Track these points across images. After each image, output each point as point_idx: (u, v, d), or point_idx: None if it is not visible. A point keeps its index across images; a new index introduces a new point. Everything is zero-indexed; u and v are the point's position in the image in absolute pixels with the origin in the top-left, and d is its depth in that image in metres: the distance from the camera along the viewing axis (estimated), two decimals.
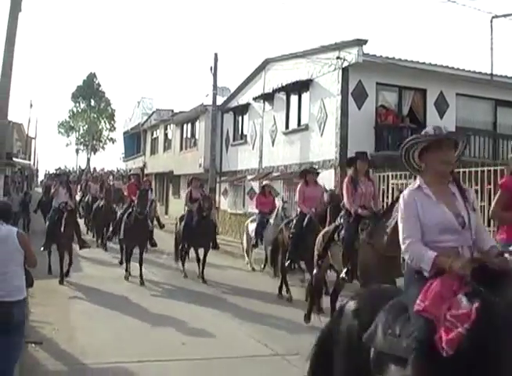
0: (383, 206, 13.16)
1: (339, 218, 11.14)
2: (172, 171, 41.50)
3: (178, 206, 41.34)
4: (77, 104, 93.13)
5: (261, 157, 28.48)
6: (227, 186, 32.82)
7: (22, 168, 43.55)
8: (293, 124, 25.67)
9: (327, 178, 21.52)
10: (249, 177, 29.01)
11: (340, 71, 21.73)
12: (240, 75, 44.03)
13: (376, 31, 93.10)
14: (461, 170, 15.18)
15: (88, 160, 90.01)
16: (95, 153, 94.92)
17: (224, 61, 73.02)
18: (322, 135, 22.81)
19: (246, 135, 30.99)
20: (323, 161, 22.34)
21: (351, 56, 21.07)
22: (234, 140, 32.57)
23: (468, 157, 20.40)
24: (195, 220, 17.28)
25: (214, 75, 30.86)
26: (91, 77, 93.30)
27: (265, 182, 22.08)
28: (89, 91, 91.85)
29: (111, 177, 41.49)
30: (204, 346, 9.73)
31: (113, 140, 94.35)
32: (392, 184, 18.49)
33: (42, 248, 15.87)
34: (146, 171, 50.30)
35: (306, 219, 13.78)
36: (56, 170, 54.93)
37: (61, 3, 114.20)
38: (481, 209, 8.68)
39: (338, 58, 21.53)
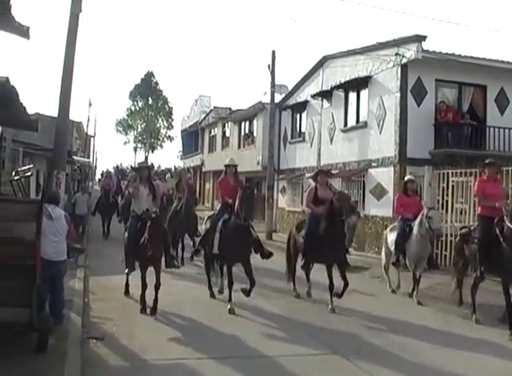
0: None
1: None
2: None
3: None
4: (135, 103, 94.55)
5: (319, 155, 28.39)
6: (285, 184, 32.84)
7: (81, 165, 44.28)
8: (351, 122, 25.54)
9: (386, 176, 21.42)
10: (307, 175, 28.91)
11: (399, 68, 21.52)
12: (298, 73, 44.07)
13: (435, 27, 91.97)
14: None
15: (146, 158, 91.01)
16: (153, 152, 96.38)
17: (282, 59, 73.19)
18: (380, 132, 22.62)
19: (304, 133, 30.97)
20: (382, 159, 22.18)
21: (410, 52, 20.82)
22: (292, 138, 32.57)
23: None
24: (324, 227, 12.86)
25: (272, 73, 30.79)
26: (149, 75, 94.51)
27: (408, 177, 15.89)
28: (147, 89, 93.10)
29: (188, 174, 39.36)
30: (264, 344, 9.75)
31: (170, 138, 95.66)
32: (452, 181, 18.29)
33: (126, 271, 13.28)
34: (203, 169, 50.76)
35: None
36: (115, 168, 55.62)
37: (120, 3, 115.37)
38: None
39: (397, 54, 21.34)
